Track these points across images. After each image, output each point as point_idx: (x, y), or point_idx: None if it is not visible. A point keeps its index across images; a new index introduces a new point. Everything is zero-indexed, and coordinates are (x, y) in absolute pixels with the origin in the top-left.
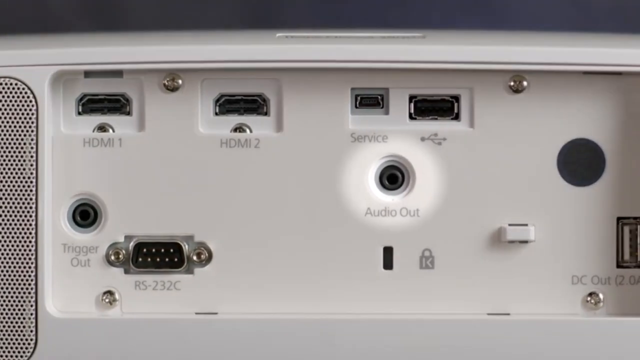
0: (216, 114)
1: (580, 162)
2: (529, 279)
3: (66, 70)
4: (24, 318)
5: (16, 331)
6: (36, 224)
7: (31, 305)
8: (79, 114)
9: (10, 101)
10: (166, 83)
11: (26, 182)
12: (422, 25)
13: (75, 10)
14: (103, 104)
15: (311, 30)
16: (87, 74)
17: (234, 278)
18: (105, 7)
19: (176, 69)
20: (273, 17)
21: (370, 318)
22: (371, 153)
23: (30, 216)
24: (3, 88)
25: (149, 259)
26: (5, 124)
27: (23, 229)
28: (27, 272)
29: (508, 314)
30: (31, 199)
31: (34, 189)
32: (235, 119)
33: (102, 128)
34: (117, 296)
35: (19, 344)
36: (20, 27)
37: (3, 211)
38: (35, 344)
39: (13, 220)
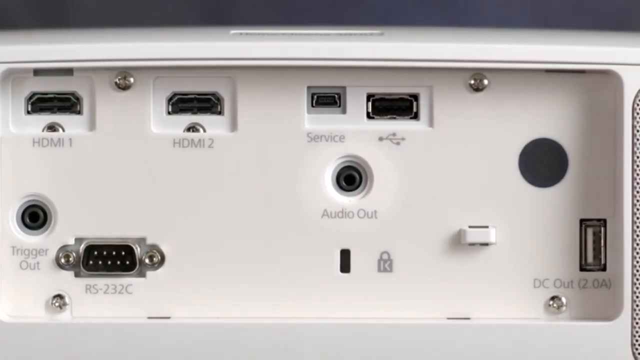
0: (169, 113)
1: (542, 163)
2: (489, 283)
3: (15, 68)
4: None
5: None
6: None
7: None
8: (28, 113)
9: None
10: (117, 81)
11: None
12: (380, 22)
13: (22, 6)
14: (53, 103)
15: (266, 27)
16: (37, 72)
17: (187, 281)
18: (54, 3)
19: (128, 67)
20: (227, 13)
21: (327, 322)
22: (328, 153)
23: None
24: None
25: (100, 262)
26: None
27: None
28: None
29: (468, 319)
30: None
31: None
32: (188, 118)
33: (51, 127)
34: (67, 300)
35: None
36: None
37: None
38: None
39: None
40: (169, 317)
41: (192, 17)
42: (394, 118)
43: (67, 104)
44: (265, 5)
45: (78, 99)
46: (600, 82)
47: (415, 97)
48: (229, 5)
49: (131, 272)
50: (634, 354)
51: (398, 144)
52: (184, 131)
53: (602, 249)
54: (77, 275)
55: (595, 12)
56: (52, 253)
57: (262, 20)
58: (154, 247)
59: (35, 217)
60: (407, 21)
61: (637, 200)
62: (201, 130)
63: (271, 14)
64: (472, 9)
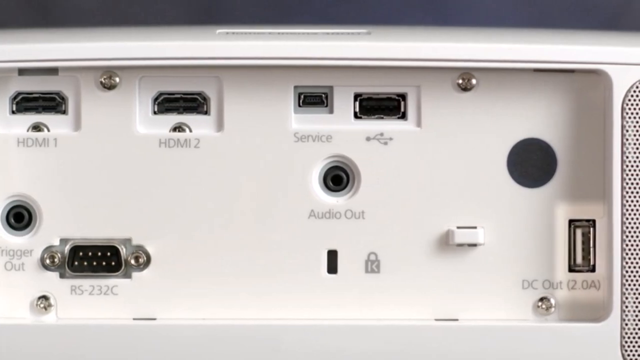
0: (155, 112)
1: (531, 163)
2: (478, 284)
3: None
4: None
5: None
6: None
7: None
8: (13, 112)
9: None
10: (103, 81)
11: None
12: (367, 21)
13: (6, 4)
14: (38, 103)
15: (253, 26)
16: (22, 71)
17: (173, 282)
18: (40, 2)
19: (113, 66)
20: (214, 12)
21: (314, 324)
22: (315, 153)
23: None
24: None
25: (86, 263)
26: None
27: None
28: None
29: (456, 320)
30: None
31: None
32: (174, 118)
33: (36, 127)
34: (52, 301)
35: None
36: None
37: None
38: None
39: None
40: (154, 319)
41: (179, 16)
42: (382, 118)
43: (52, 103)
44: (252, 4)
45: (63, 99)
46: (589, 81)
47: (403, 96)
48: (216, 3)
49: (117, 273)
50: (623, 355)
51: (386, 144)
52: (169, 131)
53: (591, 249)
54: (62, 276)
55: (585, 10)
56: (37, 254)
57: (249, 19)
58: (140, 248)
59: (20, 217)
60: (394, 20)
61: (627, 201)
62: (187, 130)
63: (258, 12)
64: (461, 6)
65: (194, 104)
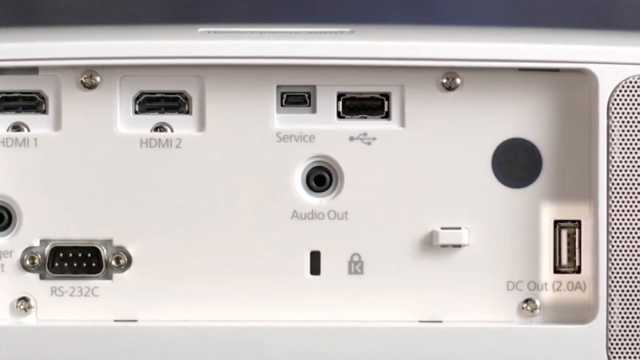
0: (136, 112)
1: (515, 163)
2: (462, 285)
3: None
4: None
5: None
6: None
7: None
8: None
9: None
10: (83, 80)
11: None
12: (351, 20)
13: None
14: (18, 102)
15: (235, 25)
16: (1, 70)
17: (154, 284)
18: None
19: (94, 65)
20: (196, 11)
21: (297, 325)
22: (298, 153)
23: None
24: None
25: (66, 264)
26: None
27: None
28: None
29: (440, 322)
30: None
31: None
32: (155, 118)
33: (16, 127)
34: (32, 303)
35: None
36: None
37: None
38: None
39: None
40: (135, 320)
41: (160, 15)
42: (365, 118)
43: (32, 103)
44: (235, 2)
45: (43, 98)
46: (574, 81)
47: (387, 96)
48: (198, 1)
49: (97, 275)
50: (609, 357)
51: (369, 144)
52: (151, 131)
53: (577, 250)
54: (42, 277)
55: (571, 9)
56: (17, 255)
57: (231, 18)
58: (121, 249)
59: None
60: (378, 19)
61: (612, 202)
62: (168, 130)
63: (241, 10)
64: (447, 4)
65: (175, 103)
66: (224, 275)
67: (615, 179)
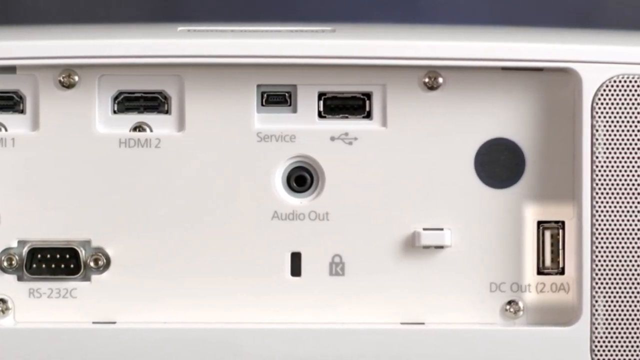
0: (115, 112)
1: (498, 163)
2: (444, 287)
3: None
4: None
5: None
6: None
7: None
8: None
9: None
10: (62, 79)
11: None
12: (332, 19)
13: None
14: None
15: (215, 23)
16: None
17: (133, 285)
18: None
19: (72, 64)
20: (175, 9)
21: (278, 327)
22: (278, 153)
23: None
24: None
25: (44, 265)
26: None
27: None
28: None
29: (423, 324)
30: None
31: None
32: (134, 118)
33: None
34: (10, 304)
35: None
36: None
37: None
38: None
39: None
40: (114, 322)
41: (139, 13)
42: (346, 117)
43: (10, 102)
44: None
45: (21, 98)
46: (558, 80)
47: (368, 95)
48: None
49: (76, 276)
50: (593, 359)
51: (350, 143)
52: (130, 131)
53: (561, 252)
54: (20, 279)
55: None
56: None
57: (211, 16)
58: (99, 250)
59: None
60: (360, 17)
61: (596, 202)
62: (148, 129)
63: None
64: (430, 3)
65: (154, 103)
66: (204, 276)
67: (600, 180)
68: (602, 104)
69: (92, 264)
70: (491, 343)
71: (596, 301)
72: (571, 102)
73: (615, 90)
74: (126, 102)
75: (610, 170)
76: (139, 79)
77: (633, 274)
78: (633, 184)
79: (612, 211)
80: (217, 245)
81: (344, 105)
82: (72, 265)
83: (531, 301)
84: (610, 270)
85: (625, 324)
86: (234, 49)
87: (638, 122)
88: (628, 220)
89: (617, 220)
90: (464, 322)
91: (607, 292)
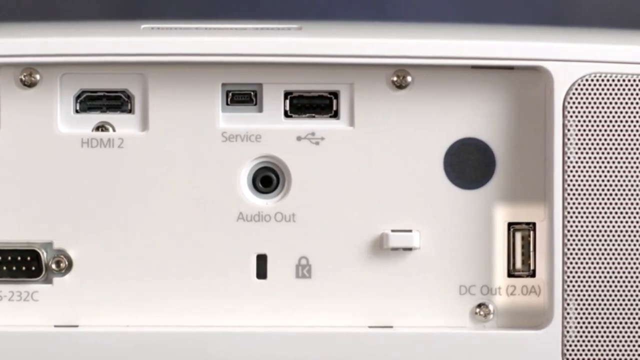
0: (77, 111)
1: (468, 164)
2: (413, 289)
3: None
4: None
5: None
6: None
7: None
8: None
9: None
10: (23, 78)
11: None
12: (298, 16)
13: None
14: None
15: (179, 21)
16: None
17: (96, 288)
18: None
19: (33, 62)
20: (138, 6)
21: (243, 331)
22: (243, 153)
23: None
24: None
25: (4, 268)
26: None
27: None
28: None
29: (391, 327)
30: None
31: None
32: (97, 117)
33: None
34: None
35: None
36: None
37: None
38: None
39: None
40: (76, 326)
41: (102, 10)
42: (313, 117)
43: None
44: None
45: None
46: (529, 79)
47: (335, 94)
48: None
49: (37, 278)
50: None
51: (317, 143)
52: (92, 130)
53: (531, 254)
54: None
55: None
56: None
57: (174, 14)
58: (61, 252)
59: None
60: (326, 15)
61: (568, 204)
62: (110, 129)
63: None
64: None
65: (117, 102)
66: (168, 279)
67: (571, 180)
68: (573, 103)
69: (53, 266)
70: (461, 347)
71: (567, 304)
72: (542, 101)
73: (587, 90)
74: (88, 101)
75: (582, 171)
76: (101, 77)
77: (604, 277)
78: (605, 185)
79: (584, 212)
80: (181, 247)
81: (311, 104)
82: (33, 268)
83: (501, 304)
84: (581, 272)
85: (596, 327)
86: (199, 47)
87: (610, 121)
88: (600, 222)
89: (589, 222)
90: (433, 325)
91: (578, 295)
